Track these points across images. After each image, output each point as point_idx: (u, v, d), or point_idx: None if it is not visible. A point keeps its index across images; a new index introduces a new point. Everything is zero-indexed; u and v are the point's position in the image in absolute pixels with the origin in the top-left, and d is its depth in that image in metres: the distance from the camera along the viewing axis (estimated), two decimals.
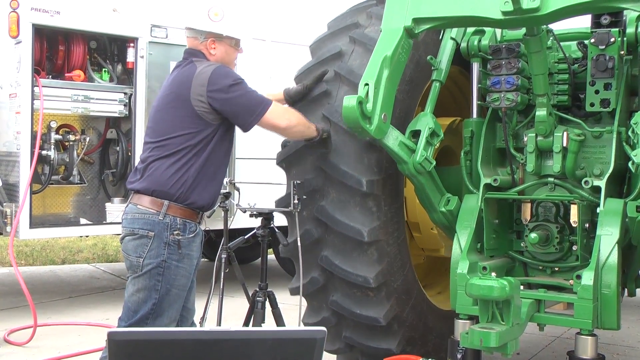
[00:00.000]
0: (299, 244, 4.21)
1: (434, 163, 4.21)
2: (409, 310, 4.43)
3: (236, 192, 4.95)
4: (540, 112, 4.22)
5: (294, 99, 4.39)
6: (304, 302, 4.54)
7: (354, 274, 4.23)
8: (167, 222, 3.67)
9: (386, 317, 4.27)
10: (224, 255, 4.50)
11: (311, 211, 4.32)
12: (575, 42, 4.63)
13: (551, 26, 4.35)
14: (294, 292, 4.51)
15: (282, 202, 4.48)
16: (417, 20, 3.99)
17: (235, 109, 3.75)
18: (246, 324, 4.40)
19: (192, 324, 4.10)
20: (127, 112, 7.37)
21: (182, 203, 3.71)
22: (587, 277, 3.76)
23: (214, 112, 3.71)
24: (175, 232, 3.68)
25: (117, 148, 7.60)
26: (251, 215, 4.33)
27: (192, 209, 3.75)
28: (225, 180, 6.93)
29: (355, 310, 4.32)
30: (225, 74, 3.74)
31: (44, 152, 6.89)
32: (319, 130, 4.15)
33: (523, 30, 4.01)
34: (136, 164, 4.06)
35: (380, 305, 4.28)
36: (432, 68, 4.45)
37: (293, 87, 4.44)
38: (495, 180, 4.41)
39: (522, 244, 4.44)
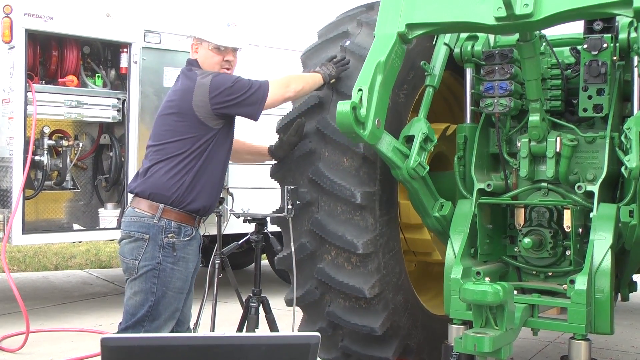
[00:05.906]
0: (293, 257, 4.22)
1: (428, 168, 4.21)
2: (405, 319, 4.43)
3: (230, 198, 4.94)
4: (534, 118, 4.22)
5: (278, 156, 4.39)
6: (298, 308, 4.53)
7: (350, 286, 4.23)
8: (161, 225, 3.72)
9: (383, 327, 4.28)
10: (217, 261, 4.49)
11: (306, 224, 4.32)
12: (568, 48, 4.64)
13: (544, 32, 4.36)
14: (289, 303, 4.51)
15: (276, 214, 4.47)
16: (411, 26, 4.00)
17: (240, 106, 3.84)
18: (240, 329, 4.38)
19: (188, 330, 4.10)
20: (120, 118, 7.37)
21: (178, 207, 3.75)
22: (581, 281, 3.76)
23: (217, 117, 3.80)
24: (170, 235, 3.73)
25: (111, 154, 7.58)
26: (245, 221, 4.33)
27: (187, 213, 3.79)
28: None
29: (351, 321, 4.32)
30: (223, 79, 3.85)
31: (37, 158, 6.88)
32: (324, 77, 4.21)
33: (516, 36, 4.02)
34: (132, 169, 4.08)
35: (376, 315, 4.28)
36: (426, 73, 4.45)
37: (274, 142, 4.41)
38: (488, 185, 4.41)
39: (515, 249, 4.44)
